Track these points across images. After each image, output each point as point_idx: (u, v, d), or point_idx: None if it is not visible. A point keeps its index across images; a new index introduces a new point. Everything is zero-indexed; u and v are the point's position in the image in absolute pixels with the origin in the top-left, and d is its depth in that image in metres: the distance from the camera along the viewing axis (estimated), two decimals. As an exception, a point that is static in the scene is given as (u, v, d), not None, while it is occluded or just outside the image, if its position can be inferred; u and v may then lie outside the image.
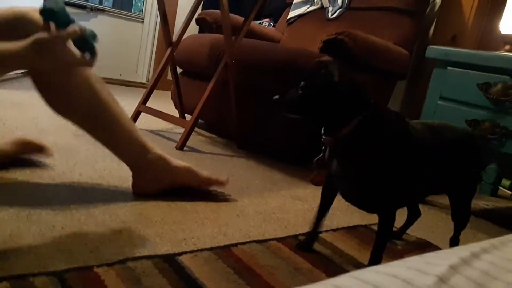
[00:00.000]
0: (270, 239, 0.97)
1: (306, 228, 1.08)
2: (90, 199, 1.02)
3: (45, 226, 0.83)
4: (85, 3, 3.34)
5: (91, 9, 3.30)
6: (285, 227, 1.08)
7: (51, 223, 0.85)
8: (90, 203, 0.99)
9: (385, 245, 0.88)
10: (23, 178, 1.07)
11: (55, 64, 0.84)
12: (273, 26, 3.08)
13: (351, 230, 1.13)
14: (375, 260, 0.86)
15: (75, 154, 1.35)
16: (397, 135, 0.82)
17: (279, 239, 0.99)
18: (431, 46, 1.63)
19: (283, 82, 1.71)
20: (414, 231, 1.17)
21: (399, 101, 2.40)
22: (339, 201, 0.92)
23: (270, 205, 1.23)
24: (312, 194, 1.40)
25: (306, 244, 0.97)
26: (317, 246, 0.98)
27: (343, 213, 1.23)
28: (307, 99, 0.80)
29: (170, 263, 0.78)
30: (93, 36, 0.87)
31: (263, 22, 3.22)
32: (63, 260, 0.73)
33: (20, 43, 0.79)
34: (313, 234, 0.98)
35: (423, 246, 1.12)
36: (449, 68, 1.54)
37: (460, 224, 1.05)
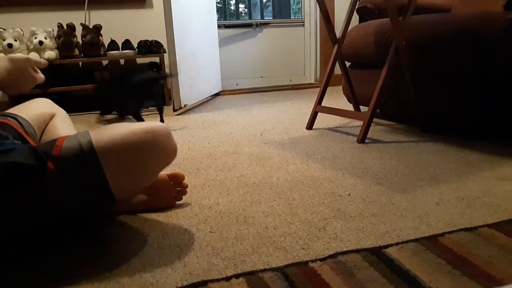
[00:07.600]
0: (480, 226, 0.91)
1: (521, 211, 0.97)
2: (290, 200, 1.12)
3: (260, 228, 0.95)
4: (251, 21, 3.65)
5: (257, 25, 3.58)
6: (495, 212, 0.98)
7: (264, 224, 0.97)
8: (292, 204, 1.09)
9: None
10: (231, 185, 1.24)
11: (21, 81, 0.97)
12: (440, -7, 2.81)
13: None
14: None
15: (268, 160, 1.49)
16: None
17: (490, 226, 0.91)
18: None
19: (463, 54, 1.57)
20: None
21: None
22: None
23: (472, 189, 1.13)
24: (521, 172, 1.25)
25: None
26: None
27: None
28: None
29: (378, 256, 0.80)
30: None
31: (427, -7, 2.96)
32: (280, 256, 0.82)
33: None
34: None
35: None
36: None
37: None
